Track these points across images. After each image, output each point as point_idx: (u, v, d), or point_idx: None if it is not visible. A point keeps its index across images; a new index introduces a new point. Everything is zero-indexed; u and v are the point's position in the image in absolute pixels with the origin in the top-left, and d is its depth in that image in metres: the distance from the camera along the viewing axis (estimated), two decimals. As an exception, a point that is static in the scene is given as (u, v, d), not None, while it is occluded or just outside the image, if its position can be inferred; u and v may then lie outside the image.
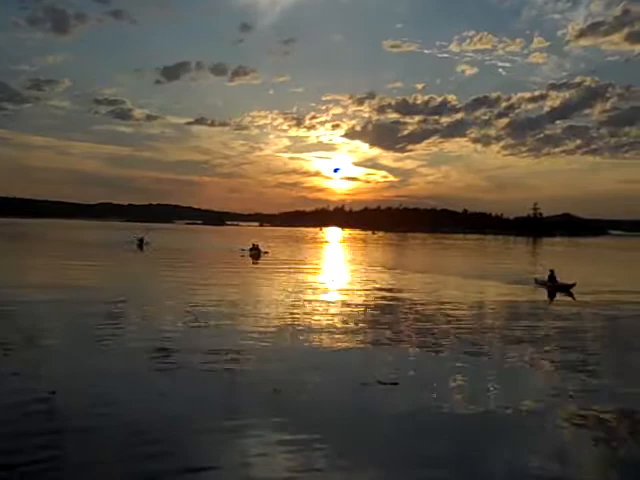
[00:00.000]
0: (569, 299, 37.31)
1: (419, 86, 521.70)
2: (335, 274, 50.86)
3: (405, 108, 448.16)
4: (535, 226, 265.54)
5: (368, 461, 11.28)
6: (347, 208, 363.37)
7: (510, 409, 14.44)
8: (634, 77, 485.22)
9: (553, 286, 41.84)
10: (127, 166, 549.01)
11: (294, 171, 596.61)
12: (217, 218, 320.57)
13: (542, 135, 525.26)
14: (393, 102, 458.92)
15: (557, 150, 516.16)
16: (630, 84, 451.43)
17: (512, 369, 18.64)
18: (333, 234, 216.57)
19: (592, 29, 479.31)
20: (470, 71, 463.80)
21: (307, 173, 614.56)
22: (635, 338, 25.22)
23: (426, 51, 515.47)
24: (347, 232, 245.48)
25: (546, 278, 43.52)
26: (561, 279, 42.33)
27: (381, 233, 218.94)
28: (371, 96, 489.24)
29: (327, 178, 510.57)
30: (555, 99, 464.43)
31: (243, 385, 15.85)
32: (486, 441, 12.52)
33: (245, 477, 10.50)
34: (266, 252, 68.46)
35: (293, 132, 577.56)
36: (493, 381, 17.06)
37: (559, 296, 38.66)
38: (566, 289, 40.52)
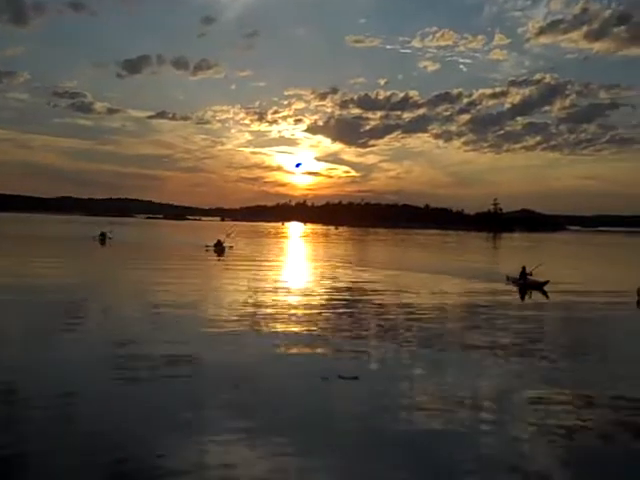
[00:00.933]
0: (540, 297, 37.28)
1: (381, 81, 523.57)
2: (297, 270, 50.95)
3: (367, 103, 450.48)
4: (495, 222, 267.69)
5: (329, 457, 11.30)
6: (309, 203, 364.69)
7: (470, 401, 14.61)
8: (592, 75, 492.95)
9: (525, 284, 40.75)
10: (88, 159, 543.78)
11: (256, 166, 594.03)
12: (178, 213, 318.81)
13: (503, 131, 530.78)
14: (355, 97, 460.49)
15: (517, 146, 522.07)
16: (588, 81, 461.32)
17: (473, 363, 18.80)
18: (295, 229, 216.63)
19: (552, 27, 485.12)
20: (432, 67, 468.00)
21: (269, 168, 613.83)
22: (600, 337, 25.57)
23: (388, 47, 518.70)
24: (309, 227, 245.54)
25: (517, 275, 42.23)
26: (533, 276, 41.43)
27: (344, 228, 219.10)
28: (334, 91, 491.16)
29: (289, 173, 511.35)
30: (515, 96, 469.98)
31: (203, 381, 15.81)
32: (446, 434, 12.58)
33: (205, 477, 10.48)
34: (230, 247, 67.91)
35: (255, 127, 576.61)
36: (454, 375, 17.24)
37: (530, 293, 38.07)
38: (539, 287, 39.55)
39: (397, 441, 12.10)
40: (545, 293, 37.75)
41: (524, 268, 41.81)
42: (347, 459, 11.21)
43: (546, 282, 39.71)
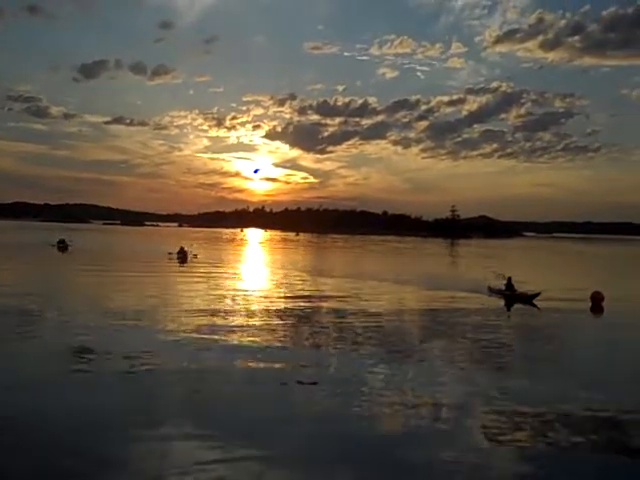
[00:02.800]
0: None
1: (340, 88, 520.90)
2: (258, 278, 50.85)
3: (326, 110, 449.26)
4: (453, 228, 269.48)
5: (286, 461, 11.46)
6: (267, 209, 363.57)
7: (427, 408, 14.84)
8: (547, 84, 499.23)
9: (513, 296, 37.82)
10: (43, 164, 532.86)
11: (214, 171, 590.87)
12: (136, 218, 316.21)
13: (460, 138, 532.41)
14: (314, 103, 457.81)
15: (474, 153, 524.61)
16: (544, 90, 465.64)
17: (431, 370, 19.01)
18: (255, 235, 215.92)
19: (508, 36, 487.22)
20: (390, 74, 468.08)
21: (227, 174, 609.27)
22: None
23: (347, 53, 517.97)
24: (269, 233, 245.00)
25: (503, 286, 39.45)
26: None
27: (304, 234, 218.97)
28: (292, 97, 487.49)
29: (247, 179, 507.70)
30: (472, 103, 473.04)
31: (162, 386, 15.85)
32: (403, 439, 12.81)
33: None
34: (195, 255, 66.58)
35: (213, 132, 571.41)
36: (411, 381, 17.43)
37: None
38: (529, 299, 36.62)
39: (354, 444, 12.30)
40: (536, 306, 35.22)
41: (510, 279, 39.26)
42: (304, 462, 11.35)
43: (537, 294, 36.63)
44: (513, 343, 24.57)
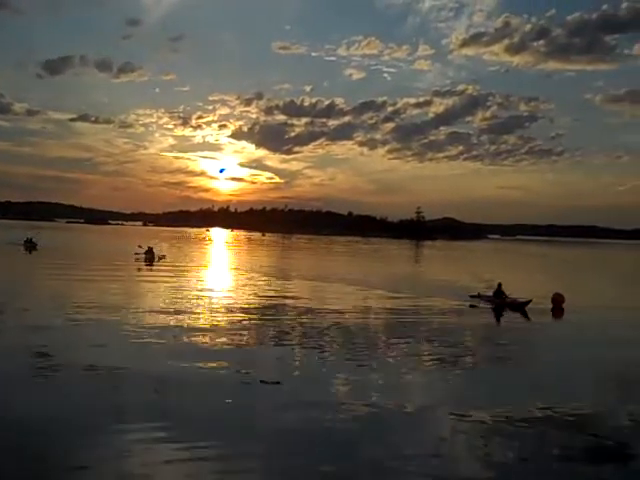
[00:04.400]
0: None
1: (307, 88, 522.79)
2: (224, 279, 50.72)
3: (293, 110, 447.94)
4: (418, 230, 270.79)
5: (248, 460, 11.47)
6: (232, 209, 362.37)
7: (392, 409, 14.87)
8: (513, 87, 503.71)
9: (503, 303, 35.94)
10: (5, 161, 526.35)
11: (179, 170, 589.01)
12: (100, 217, 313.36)
13: (426, 140, 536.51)
14: (281, 103, 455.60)
15: (440, 155, 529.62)
16: (509, 94, 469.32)
17: (395, 370, 19.10)
18: (221, 235, 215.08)
19: (474, 39, 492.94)
20: (357, 75, 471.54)
21: (192, 173, 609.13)
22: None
23: (314, 54, 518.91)
24: (234, 233, 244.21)
25: (490, 293, 37.51)
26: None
27: (270, 235, 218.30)
28: (259, 97, 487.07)
29: (212, 178, 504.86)
30: (439, 106, 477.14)
31: (124, 386, 15.74)
32: (367, 442, 12.79)
33: None
34: (163, 256, 65.60)
35: (179, 131, 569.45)
36: (376, 382, 17.50)
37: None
38: (520, 307, 34.86)
39: (317, 444, 12.33)
40: (526, 314, 33.72)
41: (500, 285, 37.26)
42: (267, 462, 11.36)
43: (528, 302, 35.12)
44: (474, 345, 24.73)
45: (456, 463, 11.89)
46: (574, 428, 14.24)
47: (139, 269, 53.58)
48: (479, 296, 37.96)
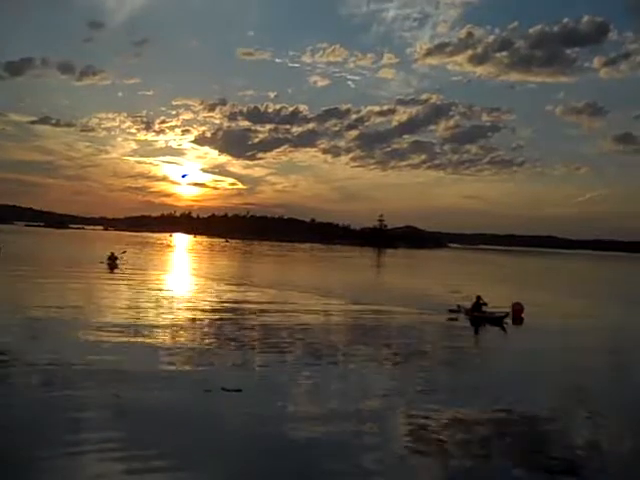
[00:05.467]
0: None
1: (271, 94, 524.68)
2: (185, 286, 50.41)
3: (256, 116, 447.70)
4: (380, 237, 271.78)
5: (209, 470, 11.46)
6: (194, 214, 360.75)
7: (351, 417, 14.93)
8: (475, 97, 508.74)
9: (482, 317, 34.69)
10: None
11: (141, 175, 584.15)
12: (60, 220, 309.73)
13: (389, 148, 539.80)
14: (245, 110, 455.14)
15: (403, 164, 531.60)
16: (472, 103, 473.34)
17: (357, 378, 19.31)
18: (183, 241, 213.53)
19: (438, 49, 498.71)
20: (322, 82, 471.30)
21: (154, 178, 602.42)
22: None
23: (279, 60, 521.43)
24: (196, 239, 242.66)
25: (468, 305, 36.12)
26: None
27: (234, 241, 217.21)
28: (222, 102, 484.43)
29: (175, 183, 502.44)
30: (402, 114, 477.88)
31: (80, 393, 15.63)
32: (326, 449, 12.89)
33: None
34: (124, 259, 64.75)
35: (142, 136, 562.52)
36: (334, 390, 17.65)
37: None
38: (498, 321, 33.95)
39: (278, 453, 12.38)
40: (504, 328, 32.94)
41: (479, 298, 35.71)
42: (226, 471, 11.39)
43: (506, 314, 34.80)
44: (434, 354, 24.95)
45: (413, 467, 12.05)
46: (526, 430, 14.58)
47: (101, 275, 53.02)
48: (458, 309, 36.72)
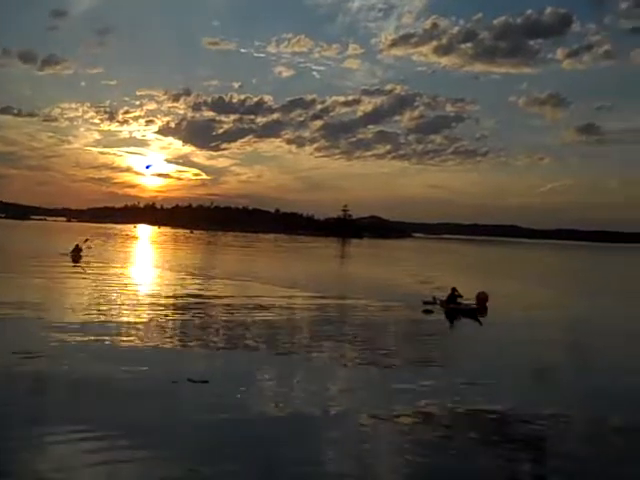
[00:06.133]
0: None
1: (236, 85, 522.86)
2: (150, 277, 50.02)
3: (221, 106, 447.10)
4: (344, 227, 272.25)
5: (172, 461, 11.43)
6: (158, 205, 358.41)
7: (317, 409, 14.92)
8: (440, 88, 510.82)
9: (457, 309, 34.33)
10: None
11: (104, 166, 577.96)
12: (22, 212, 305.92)
13: (355, 139, 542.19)
14: (209, 100, 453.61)
15: (368, 154, 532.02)
16: (436, 94, 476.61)
17: (324, 371, 19.15)
18: (147, 232, 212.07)
19: (403, 40, 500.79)
20: (287, 73, 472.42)
21: (118, 168, 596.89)
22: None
23: (243, 50, 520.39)
24: (161, 230, 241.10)
25: (444, 297, 35.62)
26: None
27: (199, 232, 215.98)
28: (187, 93, 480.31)
29: (138, 174, 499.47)
30: (367, 104, 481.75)
31: (46, 386, 15.53)
32: (291, 439, 12.94)
33: None
34: (86, 241, 63.71)
35: (105, 126, 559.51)
36: (303, 382, 17.61)
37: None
38: (472, 313, 33.41)
39: (244, 444, 12.36)
40: (479, 320, 32.18)
41: (454, 290, 35.41)
42: (191, 462, 11.34)
43: (479, 307, 34.54)
44: (400, 344, 25.04)
45: (375, 463, 12.09)
46: (490, 423, 14.67)
47: (64, 267, 52.40)
48: (433, 300, 35.92)
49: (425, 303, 35.52)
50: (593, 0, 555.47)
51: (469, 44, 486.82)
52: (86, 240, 64.65)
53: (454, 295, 35.21)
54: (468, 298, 35.56)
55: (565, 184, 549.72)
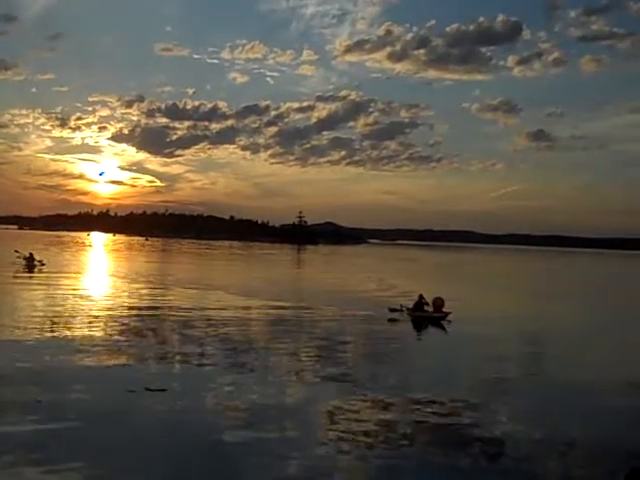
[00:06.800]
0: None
1: (190, 91, 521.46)
2: (104, 287, 49.40)
3: (175, 113, 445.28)
4: (300, 234, 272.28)
5: (130, 469, 11.43)
6: (112, 213, 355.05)
7: (271, 416, 15.03)
8: (394, 94, 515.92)
9: (423, 316, 33.96)
10: None
11: (56, 173, 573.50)
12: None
13: (309, 145, 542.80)
14: (163, 106, 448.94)
15: (323, 160, 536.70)
16: (390, 100, 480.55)
17: (280, 375, 19.37)
18: (101, 240, 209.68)
19: (357, 46, 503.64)
20: (241, 79, 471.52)
21: (70, 175, 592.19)
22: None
23: (197, 56, 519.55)
24: (115, 237, 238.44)
25: (410, 305, 35.06)
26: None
27: (154, 239, 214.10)
28: (140, 99, 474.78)
29: (91, 181, 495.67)
30: (322, 111, 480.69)
31: (2, 396, 15.37)
32: (249, 444, 12.98)
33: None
34: (41, 262, 62.24)
35: (57, 133, 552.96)
36: (257, 389, 17.61)
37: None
38: (438, 320, 33.20)
39: (202, 452, 12.38)
40: (444, 328, 32.17)
41: (421, 297, 35.03)
42: (148, 472, 11.32)
43: (447, 314, 33.67)
44: (357, 350, 25.17)
45: (330, 468, 12.19)
46: (442, 419, 15.06)
47: (16, 276, 51.59)
48: (400, 308, 34.95)
49: (391, 311, 34.87)
50: (543, 9, 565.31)
51: (422, 51, 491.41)
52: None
53: (421, 302, 34.76)
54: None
55: (517, 189, 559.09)
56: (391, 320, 33.28)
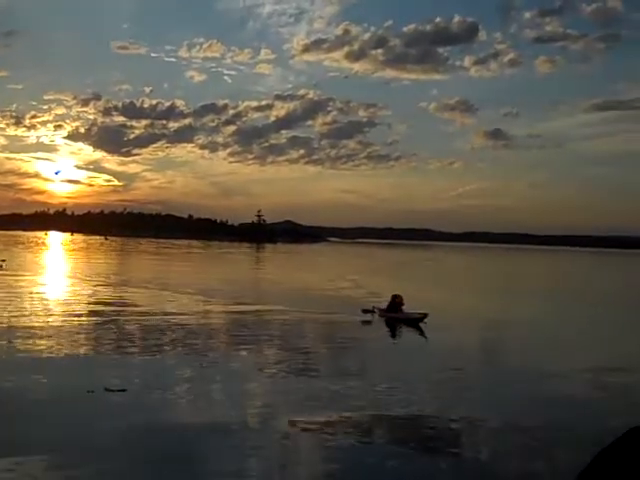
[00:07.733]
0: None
1: (147, 89, 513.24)
2: (63, 287, 48.85)
3: (132, 111, 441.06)
4: (259, 232, 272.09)
5: (89, 471, 11.34)
6: (69, 212, 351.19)
7: (235, 416, 14.97)
8: (353, 93, 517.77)
9: (397, 318, 32.56)
10: None
11: (11, 172, 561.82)
12: None
13: (268, 144, 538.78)
14: (120, 104, 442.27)
15: (281, 159, 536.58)
16: (349, 99, 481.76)
17: (242, 379, 19.15)
18: (58, 239, 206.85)
19: (315, 45, 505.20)
20: (199, 77, 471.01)
21: (26, 174, 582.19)
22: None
23: (154, 54, 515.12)
24: (73, 237, 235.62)
25: (384, 306, 33.90)
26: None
27: (113, 238, 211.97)
28: (97, 97, 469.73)
29: (47, 180, 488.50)
30: (280, 109, 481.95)
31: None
32: (210, 449, 12.91)
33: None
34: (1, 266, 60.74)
35: (11, 131, 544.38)
36: (219, 389, 17.77)
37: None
38: (415, 322, 31.41)
39: (162, 454, 12.36)
40: (422, 330, 30.42)
41: (394, 297, 33.56)
42: (107, 475, 11.29)
43: (424, 316, 31.60)
44: (314, 351, 24.99)
45: (294, 469, 12.32)
46: (407, 429, 15.00)
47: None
48: (373, 310, 33.86)
49: (364, 312, 33.51)
50: (499, 10, 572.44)
51: (380, 50, 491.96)
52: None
53: (395, 303, 33.37)
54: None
55: (475, 188, 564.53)
56: (364, 322, 32.24)
